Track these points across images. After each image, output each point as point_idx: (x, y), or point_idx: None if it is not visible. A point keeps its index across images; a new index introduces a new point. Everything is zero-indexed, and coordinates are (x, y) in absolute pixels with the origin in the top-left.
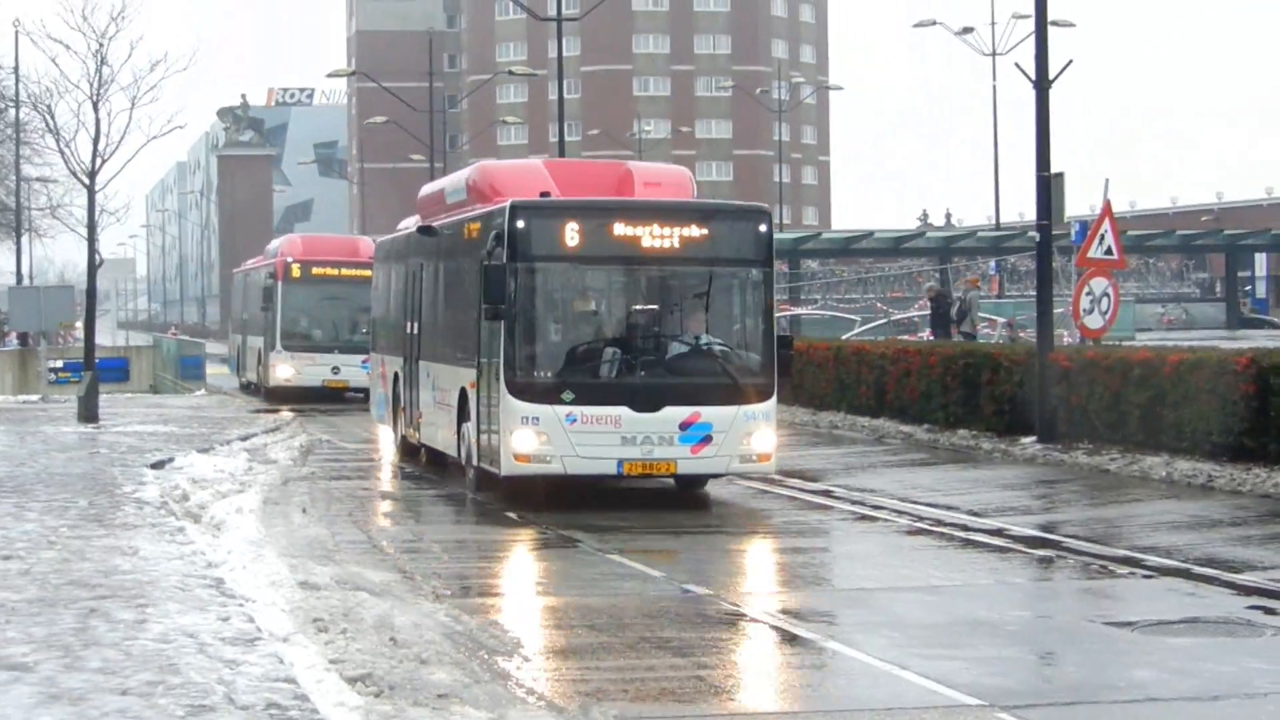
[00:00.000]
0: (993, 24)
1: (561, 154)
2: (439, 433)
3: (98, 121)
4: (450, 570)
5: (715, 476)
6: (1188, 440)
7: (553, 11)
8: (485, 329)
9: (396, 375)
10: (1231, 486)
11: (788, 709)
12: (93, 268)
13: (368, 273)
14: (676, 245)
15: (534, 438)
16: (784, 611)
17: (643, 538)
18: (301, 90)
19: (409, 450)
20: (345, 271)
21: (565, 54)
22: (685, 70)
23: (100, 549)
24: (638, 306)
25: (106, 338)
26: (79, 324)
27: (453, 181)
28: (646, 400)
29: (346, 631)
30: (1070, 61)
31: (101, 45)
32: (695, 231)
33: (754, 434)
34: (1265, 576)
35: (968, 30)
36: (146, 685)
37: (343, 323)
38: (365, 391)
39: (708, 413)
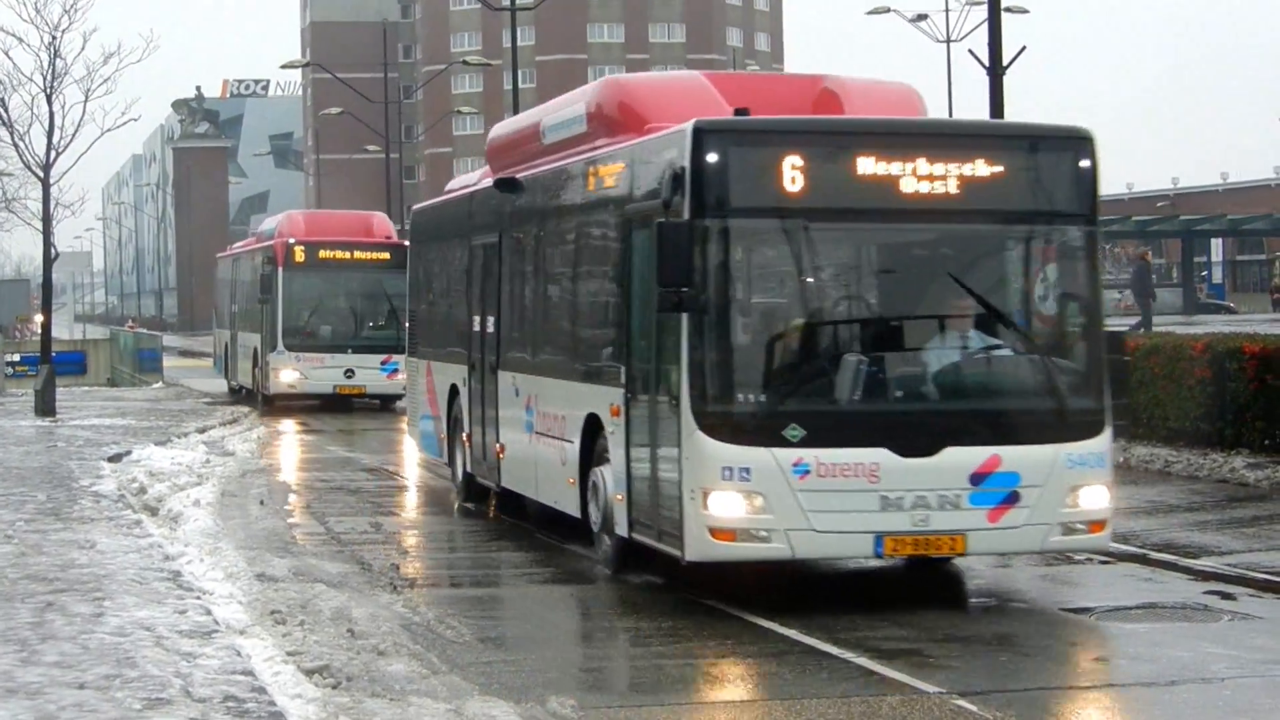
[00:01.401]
0: (946, 11)
1: None
2: (541, 479)
3: (51, 114)
4: None
5: (1024, 553)
6: (1144, 426)
7: (507, 1)
8: (645, 326)
9: (455, 390)
10: (1188, 472)
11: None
12: (48, 261)
13: (384, 254)
14: (956, 191)
15: (742, 502)
16: None
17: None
18: (257, 82)
19: (477, 493)
20: (358, 254)
21: (520, 43)
22: (640, 59)
23: (57, 543)
24: (897, 289)
25: (63, 331)
26: (36, 317)
27: (560, 109)
28: (916, 438)
29: (304, 623)
30: (1024, 48)
31: (55, 38)
32: (986, 170)
33: (1082, 489)
34: (1222, 561)
35: (922, 17)
36: (103, 678)
37: (356, 316)
38: (383, 399)
39: (1011, 456)
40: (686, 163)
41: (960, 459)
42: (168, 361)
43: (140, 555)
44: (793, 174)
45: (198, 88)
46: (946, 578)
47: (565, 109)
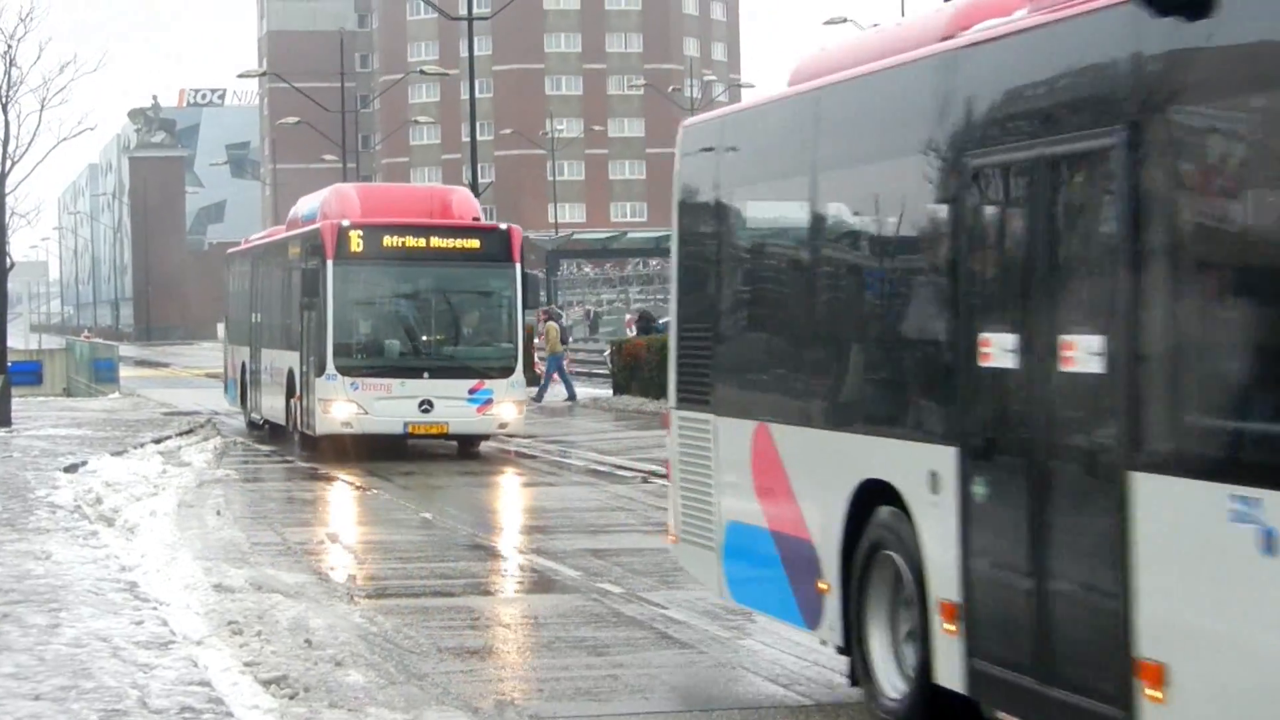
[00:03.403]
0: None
1: (474, 154)
2: None
3: (6, 124)
4: None
5: None
6: None
7: (464, 11)
8: None
9: (867, 496)
10: None
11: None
12: (3, 271)
13: (472, 241)
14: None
15: None
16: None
17: None
18: (213, 91)
19: None
20: (437, 241)
21: (477, 53)
22: (597, 69)
23: (12, 553)
24: None
25: (19, 341)
26: None
27: None
28: None
29: (261, 634)
30: None
31: (9, 47)
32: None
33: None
34: None
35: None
36: (59, 690)
37: (435, 326)
38: (465, 440)
39: None
40: None
41: None
42: (124, 371)
43: (97, 566)
44: None
45: (154, 97)
46: None
47: None
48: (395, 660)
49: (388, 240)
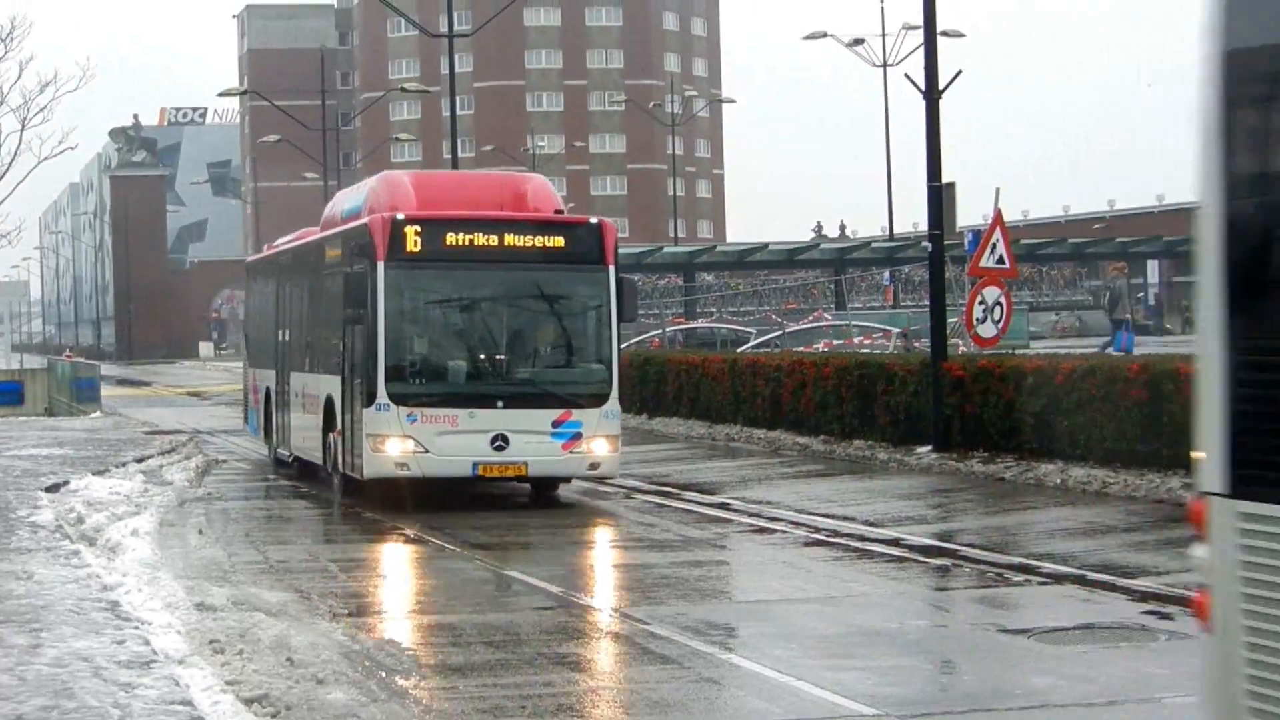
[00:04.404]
0: (883, 35)
1: (455, 169)
2: None
3: None
4: None
5: None
6: (1081, 447)
7: (444, 28)
8: None
9: None
10: (1126, 492)
11: None
12: None
13: (556, 238)
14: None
15: None
16: (682, 625)
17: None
18: (194, 110)
19: None
20: (512, 238)
21: (458, 70)
22: (578, 85)
23: None
24: None
25: (0, 361)
26: None
27: None
28: None
29: (243, 652)
30: (960, 72)
31: None
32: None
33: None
34: (1159, 581)
35: (858, 42)
36: (41, 710)
37: (510, 344)
38: (543, 484)
39: None
40: None
41: None
42: (106, 391)
43: (78, 585)
44: None
45: (135, 116)
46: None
47: None
48: (378, 678)
49: (451, 237)
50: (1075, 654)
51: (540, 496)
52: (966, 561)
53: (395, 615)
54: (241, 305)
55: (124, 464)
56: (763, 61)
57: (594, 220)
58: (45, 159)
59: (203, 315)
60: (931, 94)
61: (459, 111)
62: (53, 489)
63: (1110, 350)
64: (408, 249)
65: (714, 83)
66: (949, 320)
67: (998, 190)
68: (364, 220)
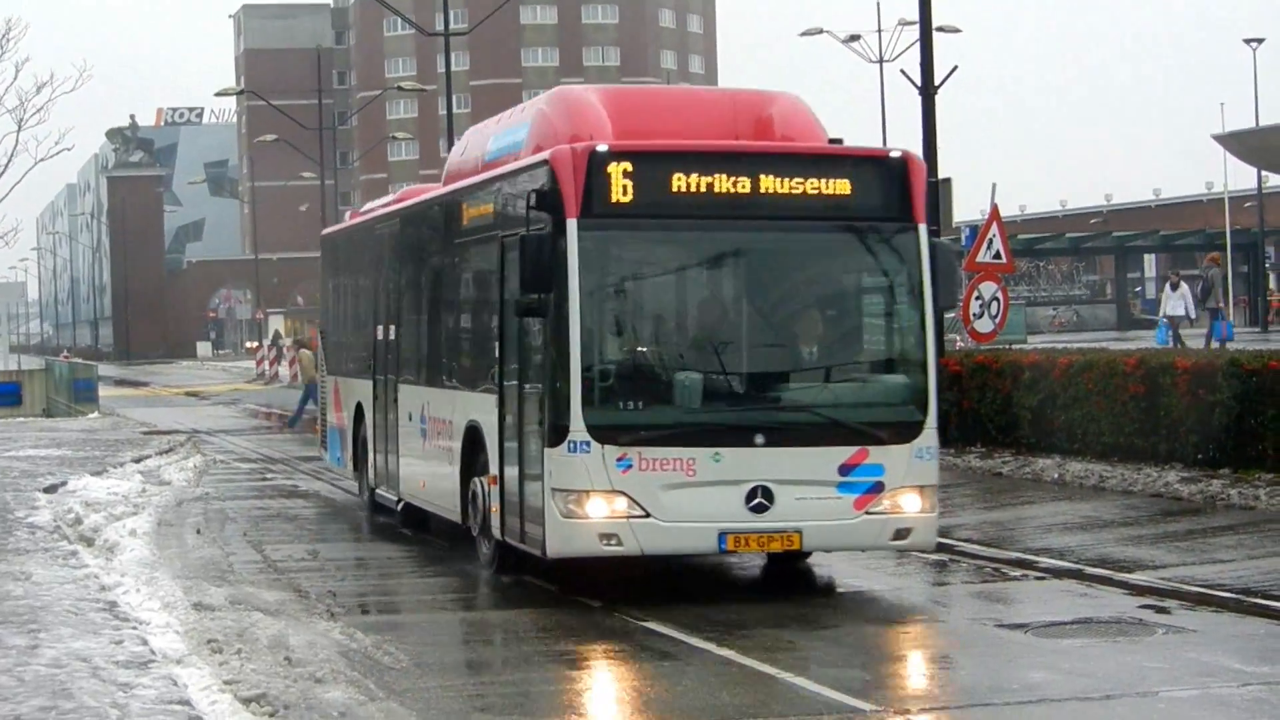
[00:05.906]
0: (879, 31)
1: None
2: None
3: None
4: None
5: None
6: (1079, 442)
7: (441, 26)
8: None
9: None
10: (1123, 487)
11: None
12: None
13: (839, 184)
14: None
15: None
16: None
17: None
18: (191, 110)
19: None
20: (770, 182)
21: (454, 68)
22: (575, 82)
23: None
24: None
25: None
26: None
27: None
28: None
29: (241, 652)
30: (955, 67)
31: None
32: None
33: None
34: (1157, 576)
35: (854, 38)
36: (39, 711)
37: (772, 347)
38: (793, 558)
39: None
40: None
41: None
42: (104, 391)
43: (76, 586)
44: None
45: (132, 116)
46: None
47: None
48: (375, 676)
49: (679, 180)
50: (1073, 648)
51: (781, 569)
52: (964, 556)
53: None
54: (239, 305)
55: (122, 464)
56: (759, 58)
57: (895, 153)
58: (42, 160)
59: (200, 315)
60: (927, 90)
61: (456, 110)
62: (51, 489)
63: (1213, 343)
64: (613, 198)
65: (710, 79)
66: (946, 315)
67: (994, 185)
68: (543, 156)
